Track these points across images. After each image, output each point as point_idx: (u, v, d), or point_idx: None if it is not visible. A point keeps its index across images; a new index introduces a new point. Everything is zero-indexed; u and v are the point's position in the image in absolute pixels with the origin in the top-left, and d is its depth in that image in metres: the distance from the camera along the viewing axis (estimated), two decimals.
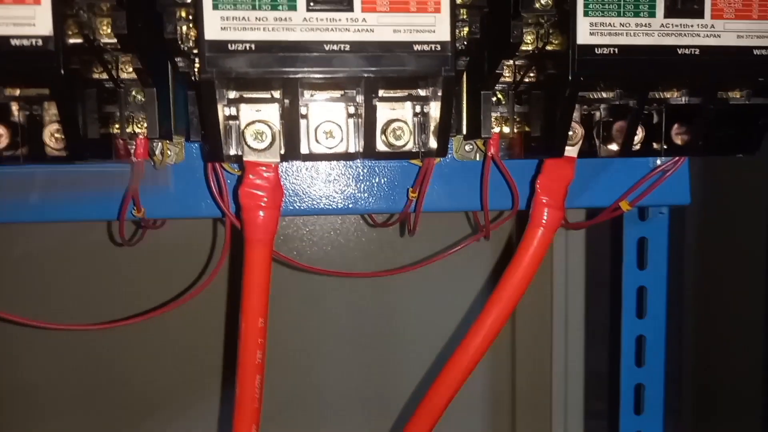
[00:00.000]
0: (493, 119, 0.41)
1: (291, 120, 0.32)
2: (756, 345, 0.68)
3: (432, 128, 0.35)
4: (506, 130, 0.41)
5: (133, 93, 0.37)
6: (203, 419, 0.68)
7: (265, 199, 0.35)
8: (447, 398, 0.39)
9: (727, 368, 0.72)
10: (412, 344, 0.72)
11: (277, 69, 0.29)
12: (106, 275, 0.65)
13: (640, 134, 0.38)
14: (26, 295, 0.66)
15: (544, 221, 0.38)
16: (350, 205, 0.46)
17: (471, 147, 0.46)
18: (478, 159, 0.46)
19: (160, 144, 0.43)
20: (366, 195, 0.46)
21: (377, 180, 0.46)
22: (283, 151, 0.34)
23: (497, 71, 0.37)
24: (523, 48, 0.35)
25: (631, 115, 0.35)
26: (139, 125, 0.38)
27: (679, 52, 0.32)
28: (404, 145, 0.36)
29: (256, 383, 0.36)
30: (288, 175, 0.45)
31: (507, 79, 0.39)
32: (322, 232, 0.70)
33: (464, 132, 0.43)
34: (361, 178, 0.46)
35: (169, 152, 0.44)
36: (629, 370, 0.58)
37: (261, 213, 0.35)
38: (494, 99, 0.40)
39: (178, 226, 0.57)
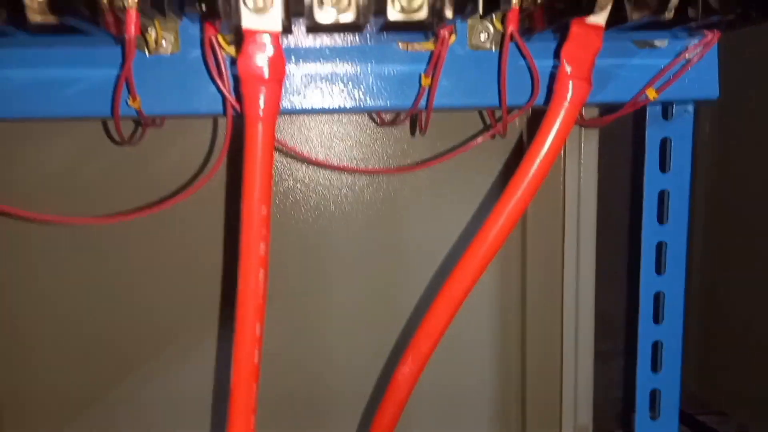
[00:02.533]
0: None
1: None
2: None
3: None
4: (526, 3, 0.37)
5: None
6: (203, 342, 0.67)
7: (267, 72, 0.32)
8: (453, 309, 0.37)
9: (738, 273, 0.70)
10: (420, 250, 0.69)
11: None
12: (99, 177, 0.62)
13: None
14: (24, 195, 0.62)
15: (569, 94, 0.35)
16: (355, 104, 0.43)
17: (486, 35, 0.43)
18: (493, 49, 0.43)
19: (153, 31, 0.40)
20: (373, 90, 0.44)
21: (386, 71, 0.44)
22: (284, 18, 0.31)
23: None
24: None
25: None
26: None
27: None
28: (419, 9, 0.33)
29: (260, 277, 0.33)
30: (290, 73, 0.42)
31: None
32: (327, 134, 0.66)
33: (480, 9, 0.39)
34: (369, 72, 0.43)
35: (163, 41, 0.41)
36: (649, 275, 0.56)
37: (262, 87, 0.32)
38: None
39: (174, 127, 0.54)
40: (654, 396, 0.58)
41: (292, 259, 0.66)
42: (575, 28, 0.34)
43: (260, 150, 0.32)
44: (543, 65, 0.41)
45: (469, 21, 0.42)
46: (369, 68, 0.43)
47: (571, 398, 0.68)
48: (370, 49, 0.43)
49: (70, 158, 0.58)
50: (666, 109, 0.53)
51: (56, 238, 0.61)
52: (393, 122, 0.48)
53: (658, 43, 0.44)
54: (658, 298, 0.57)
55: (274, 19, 0.31)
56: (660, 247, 0.56)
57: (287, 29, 0.32)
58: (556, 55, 0.36)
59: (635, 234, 0.56)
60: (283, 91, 0.41)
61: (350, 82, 0.43)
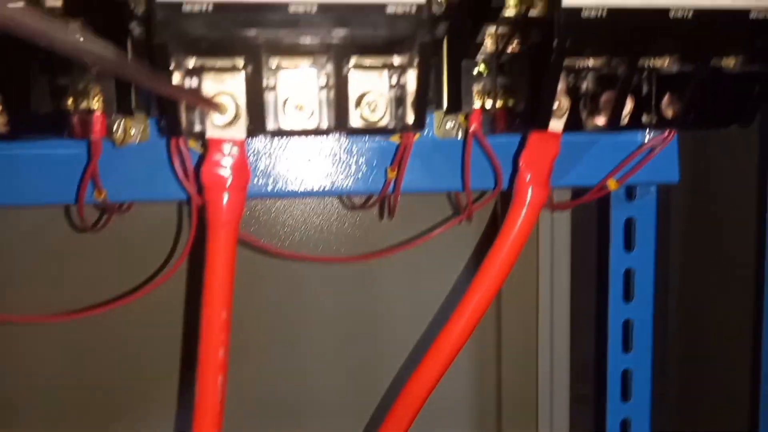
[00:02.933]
0: (475, 92, 0.39)
1: (255, 91, 0.30)
2: (744, 333, 0.67)
3: (409, 102, 0.33)
4: (489, 104, 0.39)
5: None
6: (159, 423, 0.66)
7: (230, 179, 0.32)
8: (430, 385, 0.37)
9: (713, 355, 0.71)
10: (395, 329, 0.70)
11: (235, 32, 0.27)
12: (65, 263, 0.62)
13: (628, 106, 0.36)
14: None
15: (528, 200, 0.35)
16: (326, 187, 0.44)
17: (452, 124, 0.44)
18: (459, 137, 0.44)
19: (122, 122, 0.40)
20: (342, 176, 0.44)
21: (354, 160, 0.44)
22: (248, 126, 0.32)
23: (477, 40, 0.35)
24: (506, 14, 0.33)
25: (620, 83, 0.33)
26: (95, 100, 0.35)
27: (671, 15, 0.30)
28: (380, 120, 0.33)
29: (218, 383, 0.33)
30: (259, 155, 0.43)
31: (489, 50, 0.37)
32: (299, 215, 0.68)
33: (445, 107, 0.41)
34: (338, 158, 0.44)
35: (131, 130, 0.41)
36: (616, 355, 0.56)
37: (225, 194, 0.32)
38: (476, 70, 0.38)
39: (142, 210, 0.55)
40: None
41: (266, 341, 0.66)
42: (533, 136, 0.35)
43: (222, 256, 0.33)
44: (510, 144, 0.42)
45: (436, 114, 0.43)
46: (338, 154, 0.44)
47: None
48: (339, 136, 0.44)
49: (28, 241, 0.58)
50: (629, 190, 0.55)
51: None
52: (362, 206, 0.49)
53: None
54: (625, 375, 0.57)
55: (238, 128, 0.32)
56: (627, 325, 0.56)
57: (251, 135, 0.33)
58: (515, 158, 0.37)
59: (602, 310, 0.57)
60: (252, 176, 0.42)
61: (319, 167, 0.44)
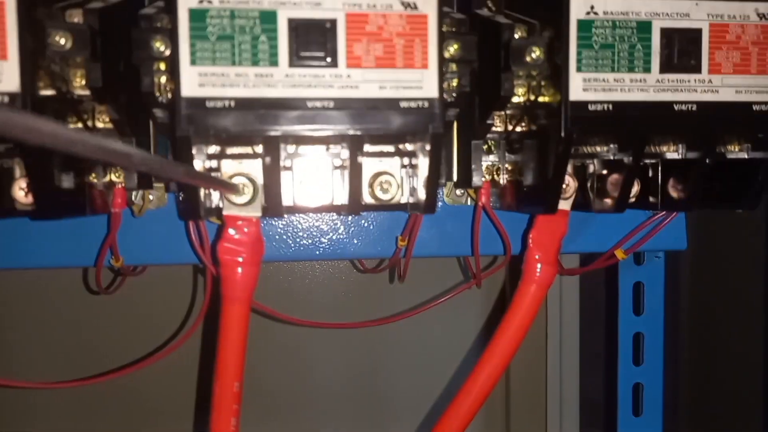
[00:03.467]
0: (484, 167, 0.40)
1: (272, 177, 0.31)
2: (754, 389, 0.66)
3: (421, 181, 0.34)
4: (497, 178, 0.39)
5: None
6: None
7: (244, 255, 0.33)
8: None
9: (724, 414, 0.70)
10: (403, 395, 0.70)
11: (257, 127, 0.28)
12: (79, 324, 0.63)
13: (635, 188, 0.37)
14: None
15: (537, 277, 0.36)
16: (338, 251, 0.45)
17: (462, 191, 0.45)
18: (469, 204, 0.45)
19: (140, 192, 0.41)
20: (355, 240, 0.45)
21: (366, 225, 0.45)
22: (264, 206, 0.33)
23: (488, 122, 0.36)
24: (515, 100, 0.34)
25: (626, 171, 0.33)
26: (116, 174, 0.37)
27: (676, 108, 0.31)
28: (392, 199, 0.34)
29: None
30: (274, 220, 0.44)
31: (498, 129, 0.38)
32: (311, 277, 0.69)
33: (455, 180, 0.42)
34: (350, 222, 0.45)
35: (150, 197, 0.43)
36: (627, 419, 0.56)
37: (239, 269, 0.33)
38: (485, 147, 0.39)
39: (158, 272, 0.56)
40: None
41: (273, 404, 0.66)
42: (541, 217, 0.36)
43: (235, 329, 0.33)
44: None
45: (446, 184, 0.44)
46: (350, 220, 0.45)
47: None
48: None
49: (44, 302, 0.59)
50: (637, 255, 0.55)
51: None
52: (375, 270, 0.50)
53: None
54: None
55: (255, 207, 0.33)
56: (637, 388, 0.56)
57: (267, 214, 0.34)
58: (525, 236, 0.38)
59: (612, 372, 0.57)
60: (267, 240, 0.43)
61: (332, 232, 0.45)
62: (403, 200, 0.35)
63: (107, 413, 0.65)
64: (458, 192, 0.45)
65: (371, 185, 0.34)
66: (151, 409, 0.65)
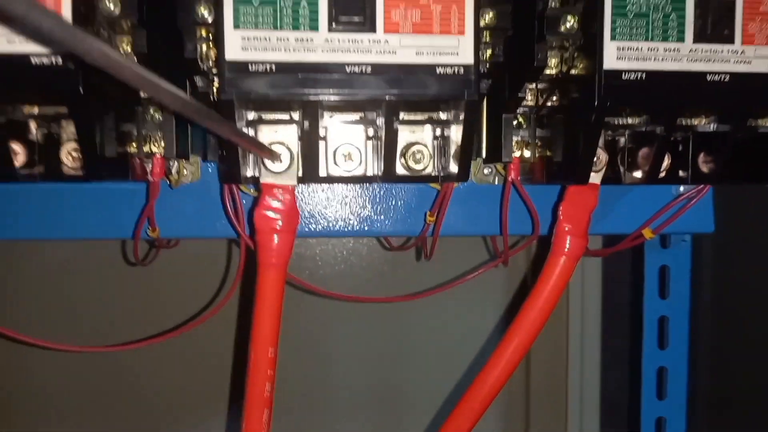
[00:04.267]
0: (513, 143, 0.40)
1: (310, 142, 0.32)
2: None
3: (452, 152, 0.35)
4: (527, 154, 0.40)
5: (152, 112, 0.37)
6: None
7: (281, 223, 0.34)
8: (471, 423, 0.38)
9: (744, 401, 0.69)
10: (426, 372, 0.71)
11: (297, 91, 0.29)
12: (117, 294, 0.65)
13: (666, 161, 0.37)
14: (37, 312, 0.66)
15: (566, 250, 0.36)
16: (366, 228, 0.46)
17: (489, 170, 0.45)
18: (496, 183, 0.45)
19: (176, 163, 0.42)
20: (382, 217, 0.46)
21: (394, 202, 0.46)
22: (300, 174, 0.34)
23: (520, 95, 0.36)
24: (547, 72, 0.35)
25: (658, 142, 0.34)
26: (156, 144, 0.38)
27: (708, 79, 0.32)
28: (424, 169, 0.35)
29: (264, 418, 0.34)
30: (304, 196, 0.45)
31: (529, 103, 0.38)
32: (337, 253, 0.70)
33: (483, 155, 0.42)
34: (378, 200, 0.45)
35: (185, 171, 0.44)
36: (650, 402, 0.56)
37: (275, 236, 0.34)
38: (515, 122, 0.40)
39: (192, 245, 0.57)
40: None
41: (294, 391, 0.67)
42: (572, 189, 0.37)
43: (271, 295, 0.34)
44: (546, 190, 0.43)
45: (475, 161, 0.44)
46: (379, 197, 0.45)
47: None
48: (380, 184, 0.45)
49: (84, 275, 0.61)
50: (663, 238, 0.55)
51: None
52: (401, 247, 0.50)
53: None
54: (659, 423, 0.57)
55: (290, 175, 0.34)
56: (661, 372, 0.56)
57: (303, 182, 0.34)
58: (555, 209, 0.38)
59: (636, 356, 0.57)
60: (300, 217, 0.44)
61: (361, 210, 0.45)
62: (435, 173, 0.36)
63: (143, 384, 0.67)
64: (486, 171, 0.45)
65: (404, 155, 0.35)
66: (187, 381, 0.67)
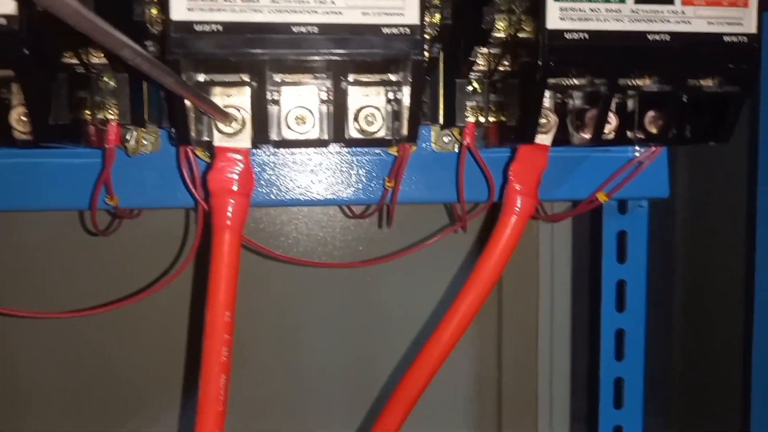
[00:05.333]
0: (469, 108, 0.41)
1: (261, 105, 0.32)
2: (738, 341, 0.68)
3: (405, 115, 0.35)
4: (483, 119, 0.41)
5: (105, 78, 0.37)
6: (164, 421, 0.68)
7: (235, 185, 0.34)
8: (422, 385, 0.39)
9: (716, 366, 0.72)
10: (391, 331, 0.72)
11: (243, 50, 0.29)
12: (79, 265, 0.65)
13: (614, 123, 0.38)
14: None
15: (517, 209, 0.37)
16: (328, 196, 0.46)
17: (449, 138, 0.46)
18: (456, 150, 0.46)
19: (135, 132, 0.42)
20: (343, 186, 0.46)
21: (355, 171, 0.46)
22: (253, 137, 0.34)
23: (470, 59, 0.37)
24: (496, 35, 0.35)
25: (601, 101, 0.35)
26: (111, 111, 0.38)
27: (650, 38, 0.32)
28: (377, 132, 0.36)
29: (221, 383, 0.35)
30: (265, 166, 0.45)
31: (483, 68, 0.39)
32: (300, 222, 0.70)
33: (441, 121, 0.43)
34: (339, 169, 0.46)
35: (144, 141, 0.44)
36: (609, 364, 0.57)
37: (230, 199, 0.34)
38: (470, 88, 0.40)
39: (152, 216, 0.57)
40: None
41: (267, 342, 0.68)
42: (522, 149, 0.37)
43: (226, 258, 0.35)
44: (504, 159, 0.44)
45: (433, 128, 0.45)
46: (340, 166, 0.46)
47: None
48: (340, 148, 0.46)
49: (42, 244, 0.61)
50: (622, 204, 0.56)
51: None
52: (362, 215, 0.51)
53: None
54: (618, 384, 0.58)
55: (244, 138, 0.34)
56: (620, 334, 0.58)
57: (256, 145, 0.35)
58: (506, 170, 0.39)
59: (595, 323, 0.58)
60: (257, 186, 0.44)
61: (321, 178, 0.46)
62: (388, 136, 0.37)
63: (101, 351, 0.67)
64: (446, 139, 0.46)
65: (356, 118, 0.35)
66: (144, 348, 0.67)
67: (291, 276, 0.69)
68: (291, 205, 0.61)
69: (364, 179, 0.46)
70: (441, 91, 0.43)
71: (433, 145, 0.46)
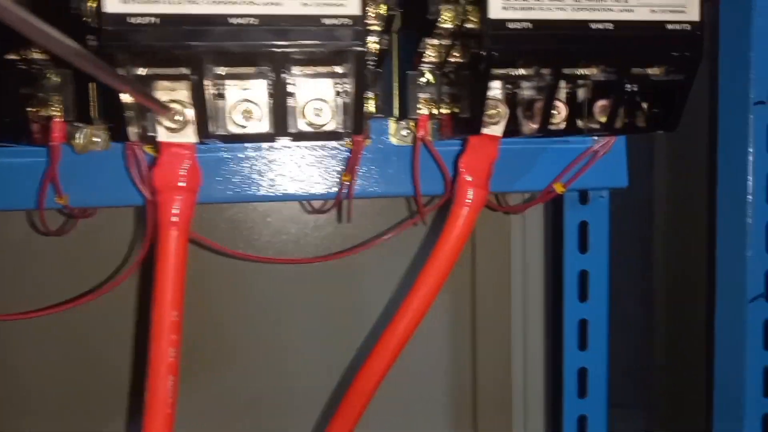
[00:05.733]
0: (423, 100, 0.41)
1: (200, 98, 0.31)
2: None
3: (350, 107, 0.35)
4: (436, 111, 0.40)
5: (48, 75, 0.36)
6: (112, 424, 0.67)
7: (181, 181, 0.34)
8: (379, 377, 0.39)
9: (697, 359, 0.72)
10: (371, 323, 0.72)
11: (180, 43, 0.29)
12: (33, 266, 0.64)
13: (564, 112, 0.38)
14: None
15: (468, 200, 0.37)
16: (281, 191, 0.46)
17: (407, 132, 0.45)
18: (413, 144, 0.46)
19: (86, 130, 0.41)
20: (298, 180, 0.46)
21: (310, 164, 0.46)
22: (197, 131, 0.33)
23: (419, 50, 0.37)
24: (444, 26, 0.35)
25: (546, 90, 0.35)
26: (54, 108, 0.37)
27: (593, 27, 0.33)
28: (325, 125, 0.35)
29: (168, 384, 0.34)
30: (220, 162, 0.44)
31: (435, 60, 0.39)
32: (260, 219, 0.70)
33: (396, 115, 0.43)
34: (293, 162, 0.45)
35: (94, 138, 0.43)
36: (572, 354, 0.58)
37: (176, 196, 0.34)
38: (423, 80, 0.40)
39: (105, 216, 0.56)
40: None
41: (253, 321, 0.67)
42: (473, 140, 0.37)
43: (173, 256, 0.34)
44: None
45: (390, 120, 0.45)
46: (294, 160, 0.45)
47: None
48: (295, 143, 0.45)
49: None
50: (583, 195, 0.57)
51: None
52: (321, 210, 0.51)
53: None
54: (582, 374, 0.59)
55: (188, 132, 0.33)
56: (582, 324, 0.58)
57: (201, 140, 0.34)
58: (456, 162, 0.39)
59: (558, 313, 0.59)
60: (211, 182, 0.44)
61: (276, 174, 0.45)
62: (340, 129, 0.36)
63: (48, 354, 0.66)
64: (404, 132, 0.45)
65: (304, 112, 0.35)
66: (93, 350, 0.66)
67: (268, 274, 0.68)
68: (242, 201, 0.60)
69: (321, 173, 0.46)
70: (396, 85, 0.42)
71: (391, 138, 0.46)
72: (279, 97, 0.32)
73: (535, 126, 0.37)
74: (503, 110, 0.37)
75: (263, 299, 0.70)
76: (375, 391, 0.39)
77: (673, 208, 0.77)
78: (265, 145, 0.45)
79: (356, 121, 0.34)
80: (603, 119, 0.38)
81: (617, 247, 0.58)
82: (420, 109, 0.40)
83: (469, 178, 0.37)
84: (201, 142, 0.34)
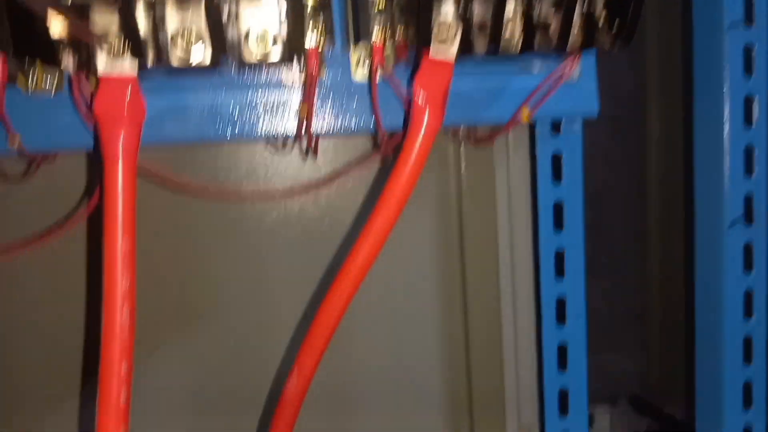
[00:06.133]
0: (378, 29, 0.39)
1: (131, 25, 0.31)
2: None
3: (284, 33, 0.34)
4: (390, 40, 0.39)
5: None
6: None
7: (122, 113, 0.33)
8: (338, 312, 0.39)
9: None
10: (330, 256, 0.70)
11: None
12: None
13: (518, 31, 0.37)
14: None
15: (424, 124, 0.37)
16: (245, 130, 0.45)
17: (366, 62, 0.44)
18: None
19: (33, 70, 0.40)
20: (262, 119, 0.45)
21: (273, 103, 0.45)
22: (135, 62, 0.33)
23: None
24: None
25: (494, 7, 0.33)
26: None
27: None
28: (268, 54, 0.34)
29: (125, 315, 0.33)
30: (175, 101, 0.43)
31: None
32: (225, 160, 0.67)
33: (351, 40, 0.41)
34: (257, 102, 0.44)
35: (44, 80, 0.42)
36: (549, 282, 0.58)
37: (118, 128, 0.33)
38: (377, 8, 0.39)
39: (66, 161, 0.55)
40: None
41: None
42: (425, 63, 0.36)
43: (120, 188, 0.33)
44: None
45: (352, 54, 0.43)
46: (249, 97, 0.44)
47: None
48: (250, 77, 0.44)
49: None
50: (556, 126, 0.56)
51: None
52: (283, 147, 0.50)
53: None
54: (560, 304, 0.59)
55: (126, 63, 0.33)
56: (559, 254, 0.58)
57: (141, 70, 0.33)
58: (410, 83, 0.38)
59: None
60: (164, 122, 0.42)
61: (233, 111, 0.44)
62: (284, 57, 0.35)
63: None
64: (365, 67, 0.44)
65: (249, 37, 0.34)
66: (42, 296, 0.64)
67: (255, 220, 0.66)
68: (207, 141, 0.58)
69: (279, 110, 0.45)
70: (350, 14, 0.41)
71: (353, 75, 0.44)
72: (214, 23, 0.31)
73: (487, 43, 0.36)
74: (455, 27, 0.36)
75: (247, 242, 0.68)
76: (336, 326, 0.39)
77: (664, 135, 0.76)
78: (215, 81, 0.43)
79: (285, 48, 0.33)
80: (557, 37, 0.37)
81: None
82: (374, 37, 0.39)
83: (424, 100, 0.36)
84: (140, 71, 0.33)
